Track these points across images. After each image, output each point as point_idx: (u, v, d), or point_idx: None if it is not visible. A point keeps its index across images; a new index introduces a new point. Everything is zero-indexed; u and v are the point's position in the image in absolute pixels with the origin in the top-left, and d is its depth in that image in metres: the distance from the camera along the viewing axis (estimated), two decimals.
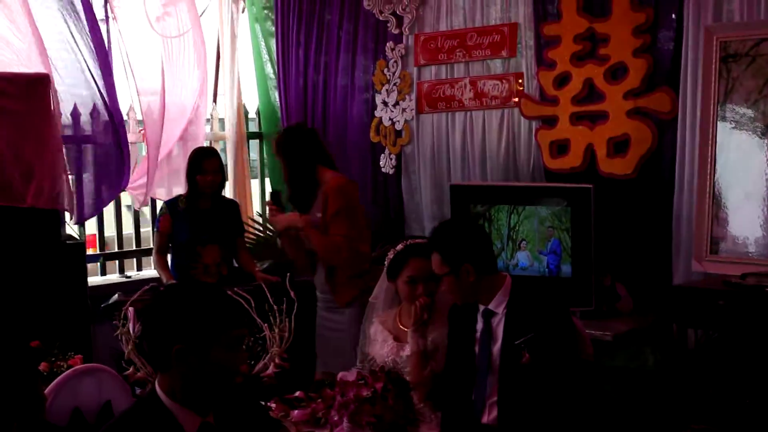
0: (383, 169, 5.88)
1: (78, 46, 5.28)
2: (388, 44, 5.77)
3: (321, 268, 4.48)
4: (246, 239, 5.55)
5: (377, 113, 5.88)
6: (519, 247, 4.76)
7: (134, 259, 6.21)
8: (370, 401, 3.00)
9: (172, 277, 5.02)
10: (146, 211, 6.10)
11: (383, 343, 3.64)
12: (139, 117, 5.86)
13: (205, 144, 6.03)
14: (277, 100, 6.47)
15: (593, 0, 4.81)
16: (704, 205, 4.31)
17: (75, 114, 5.40)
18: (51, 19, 5.22)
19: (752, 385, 3.84)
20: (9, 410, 2.33)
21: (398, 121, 5.78)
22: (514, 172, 5.23)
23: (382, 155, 5.88)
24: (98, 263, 5.96)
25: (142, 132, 5.76)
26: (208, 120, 6.39)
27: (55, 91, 4.99)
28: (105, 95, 5.38)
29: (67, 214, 5.08)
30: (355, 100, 6.02)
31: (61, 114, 5.09)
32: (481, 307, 3.27)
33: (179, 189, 5.49)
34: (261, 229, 6.14)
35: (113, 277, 6.01)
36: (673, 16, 4.57)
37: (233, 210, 5.29)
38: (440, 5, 5.54)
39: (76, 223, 5.52)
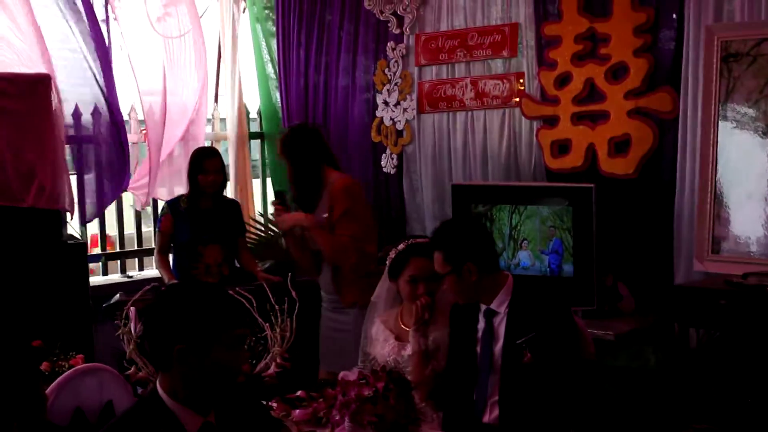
0: (384, 169, 5.88)
1: (79, 46, 5.28)
2: (389, 44, 5.78)
3: (326, 268, 4.46)
4: (247, 239, 5.55)
5: (378, 113, 5.88)
6: (520, 246, 4.76)
7: (136, 259, 6.21)
8: (372, 401, 3.00)
9: (174, 277, 5.02)
10: (148, 210, 6.10)
11: (385, 342, 3.64)
12: (141, 117, 5.86)
13: (207, 144, 6.04)
14: (279, 100, 6.48)
15: (594, 0, 4.81)
16: (705, 204, 4.31)
17: (76, 114, 5.40)
18: (52, 19, 5.22)
19: (754, 385, 3.84)
20: (10, 410, 2.33)
21: (399, 120, 5.78)
22: (516, 171, 5.23)
23: (384, 155, 5.88)
24: (99, 263, 5.97)
25: (144, 132, 5.76)
26: (209, 120, 6.40)
27: (58, 91, 5.00)
28: (106, 95, 5.38)
29: (68, 214, 5.08)
30: (356, 100, 6.02)
31: (63, 114, 5.10)
32: (483, 307, 3.27)
33: (181, 189, 5.49)
34: (262, 229, 6.14)
35: (115, 277, 6.02)
36: (674, 15, 4.57)
37: (235, 210, 5.29)
38: (441, 5, 5.55)
39: (82, 224, 5.53)
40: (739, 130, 4.25)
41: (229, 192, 6.15)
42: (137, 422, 2.26)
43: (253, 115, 6.72)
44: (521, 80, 5.19)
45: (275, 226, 6.03)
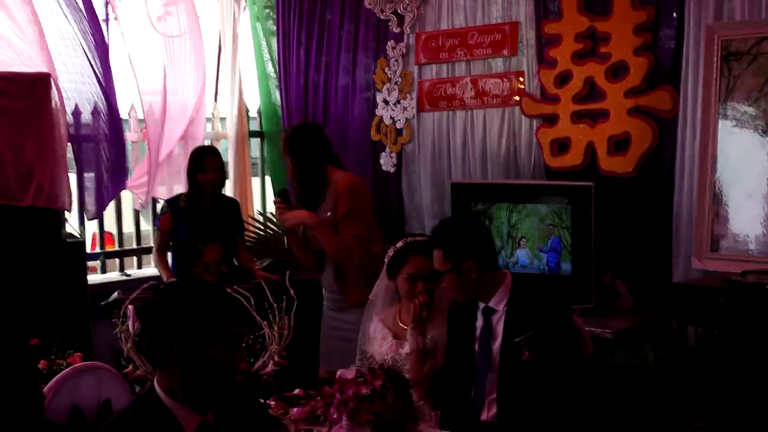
0: (384, 168, 5.88)
1: (80, 45, 5.28)
2: (389, 43, 5.77)
3: (329, 267, 4.44)
4: (246, 238, 5.55)
5: (378, 112, 5.88)
6: (519, 244, 4.76)
7: (135, 258, 6.21)
8: (370, 399, 2.99)
9: (173, 276, 5.02)
10: (147, 209, 6.10)
11: (383, 340, 3.64)
12: (141, 116, 5.86)
13: (206, 143, 6.04)
14: (278, 99, 6.48)
15: None
16: (705, 202, 4.31)
17: (76, 113, 5.40)
18: (54, 19, 5.22)
19: (752, 383, 3.84)
20: (8, 408, 2.33)
21: (399, 119, 5.78)
22: (515, 170, 5.23)
23: (383, 154, 5.88)
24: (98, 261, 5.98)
25: (144, 131, 5.76)
26: (209, 119, 6.40)
27: (60, 90, 5.00)
28: (105, 94, 5.38)
29: (67, 213, 5.08)
30: (356, 98, 6.02)
31: (65, 112, 5.10)
32: (481, 305, 3.27)
33: (180, 188, 5.49)
34: (261, 227, 6.14)
35: (113, 275, 6.01)
36: (674, 14, 4.57)
37: (234, 208, 5.29)
38: (441, 4, 5.55)
39: (81, 223, 5.53)
40: (739, 128, 4.25)
41: (229, 191, 6.15)
42: (135, 421, 2.26)
43: (253, 114, 6.72)
44: (521, 79, 5.19)
45: (276, 226, 6.04)
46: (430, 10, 5.62)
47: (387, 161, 5.86)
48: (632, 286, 4.66)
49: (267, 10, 6.52)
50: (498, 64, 5.33)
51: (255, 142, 6.73)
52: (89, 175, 5.48)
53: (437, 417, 3.36)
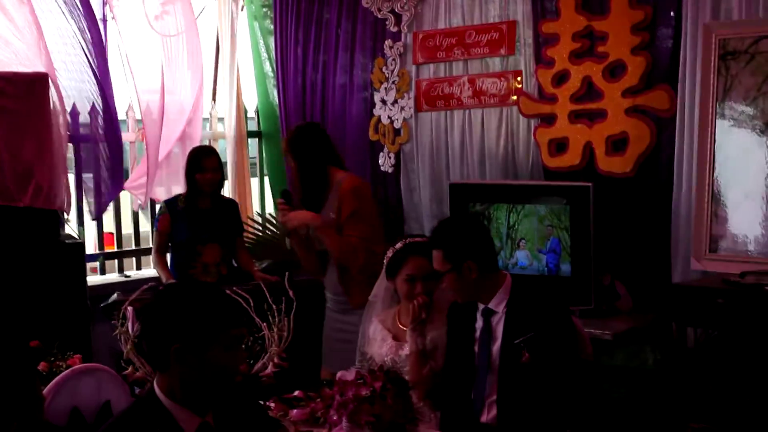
0: (382, 168, 5.88)
1: (78, 45, 5.28)
2: (386, 42, 5.77)
3: (332, 268, 4.44)
4: (245, 238, 5.55)
5: (376, 111, 5.87)
6: (518, 245, 4.76)
7: (134, 259, 6.20)
8: (369, 400, 2.99)
9: (172, 277, 5.02)
10: (146, 209, 6.09)
11: (382, 342, 3.64)
12: (138, 116, 5.85)
13: (205, 143, 6.03)
14: (276, 98, 6.47)
15: None
16: (703, 203, 4.31)
17: (74, 113, 5.39)
18: (52, 16, 5.21)
19: (752, 384, 3.84)
20: (8, 410, 2.33)
21: (397, 119, 5.77)
22: (513, 170, 5.23)
23: (381, 154, 5.87)
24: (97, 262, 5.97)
25: (142, 131, 5.75)
26: (206, 119, 6.39)
27: (59, 90, 5.00)
28: (102, 94, 5.37)
29: (65, 214, 5.08)
30: (353, 98, 6.01)
31: (65, 112, 5.09)
32: (481, 306, 3.27)
33: (178, 189, 5.48)
34: (260, 228, 6.14)
35: (112, 277, 6.01)
36: (672, 13, 4.57)
37: (232, 209, 5.29)
38: (439, 3, 5.54)
39: (94, 219, 5.55)
40: (737, 128, 4.24)
41: (227, 191, 6.15)
42: (134, 422, 2.26)
43: (251, 113, 6.71)
44: (519, 78, 5.18)
45: (275, 227, 6.04)
46: (427, 9, 5.61)
47: (385, 161, 5.86)
48: (631, 288, 4.66)
49: (264, 9, 6.51)
50: (495, 64, 5.33)
51: (253, 142, 6.72)
52: (87, 176, 5.47)
53: (437, 418, 3.36)
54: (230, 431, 2.37)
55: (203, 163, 5.02)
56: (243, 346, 2.98)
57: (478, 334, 3.25)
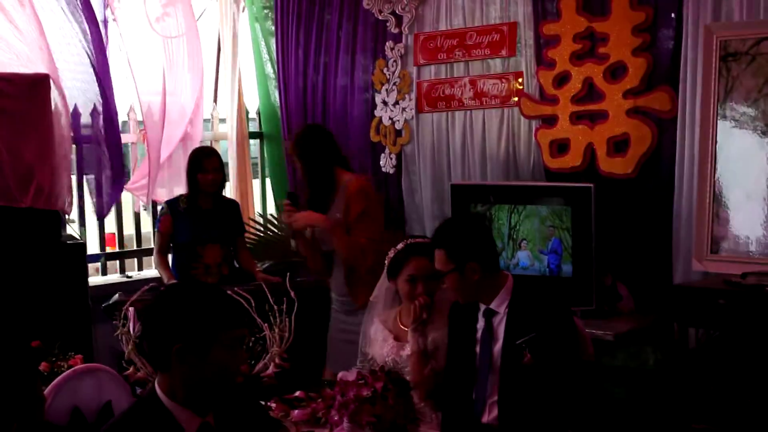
0: (383, 169, 5.88)
1: (81, 46, 5.28)
2: (387, 44, 5.77)
3: (338, 269, 4.43)
4: (247, 239, 5.55)
5: (377, 113, 5.87)
6: (519, 246, 4.76)
7: (135, 259, 6.21)
8: (370, 401, 3.00)
9: (173, 277, 5.02)
10: (147, 210, 6.10)
11: (383, 342, 3.64)
12: (140, 118, 5.86)
13: (206, 144, 6.03)
14: (278, 99, 6.47)
15: None
16: (704, 204, 4.30)
17: (75, 114, 5.40)
18: (55, 16, 5.22)
19: (753, 385, 3.84)
20: (9, 410, 2.33)
21: (398, 120, 5.77)
22: (514, 171, 5.22)
23: (383, 155, 5.88)
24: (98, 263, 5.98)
25: (143, 132, 5.75)
26: (208, 120, 6.39)
27: (62, 90, 5.00)
28: (103, 96, 5.37)
29: (66, 215, 5.08)
30: (354, 99, 6.01)
31: (68, 113, 5.09)
32: (482, 307, 3.26)
33: (180, 190, 5.48)
34: (262, 229, 6.14)
35: (114, 277, 6.01)
36: (673, 15, 4.56)
37: (234, 210, 5.29)
38: (440, 4, 5.54)
39: (99, 219, 5.56)
40: (738, 129, 4.24)
41: (229, 192, 6.15)
42: (135, 423, 2.26)
43: (252, 114, 6.72)
44: (520, 80, 5.18)
45: (277, 228, 6.04)
46: (428, 11, 5.61)
47: (386, 162, 5.86)
48: (633, 288, 4.66)
49: (266, 11, 6.52)
50: (496, 65, 5.33)
51: (254, 143, 6.72)
52: (89, 177, 5.48)
53: (438, 419, 3.36)
54: (231, 431, 2.37)
55: (204, 164, 5.03)
56: (244, 347, 2.97)
57: (479, 334, 3.25)
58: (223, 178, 5.19)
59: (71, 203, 5.09)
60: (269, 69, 6.54)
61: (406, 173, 5.82)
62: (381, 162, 5.87)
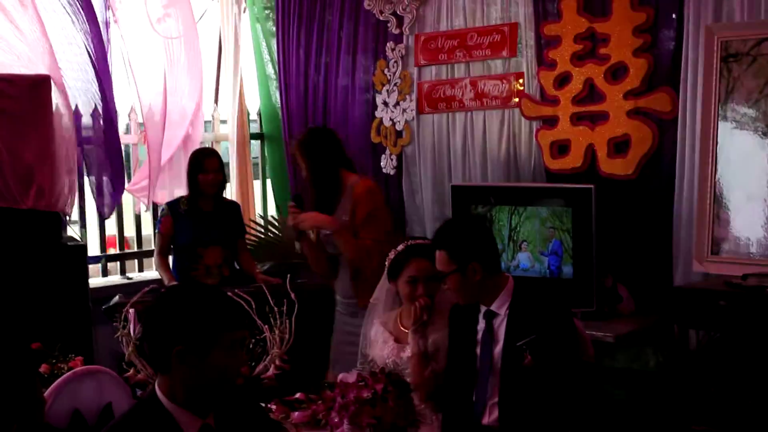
0: (384, 170, 5.87)
1: (83, 47, 5.28)
2: (388, 44, 5.77)
3: (344, 271, 4.42)
4: (247, 241, 5.55)
5: (378, 113, 5.87)
6: (520, 248, 4.76)
7: (136, 261, 6.21)
8: (371, 403, 3.00)
9: (174, 279, 5.02)
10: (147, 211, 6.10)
11: (384, 344, 3.64)
12: (141, 119, 5.86)
13: (207, 145, 6.03)
14: (278, 100, 6.47)
15: (593, 0, 4.81)
16: (705, 205, 4.30)
17: (77, 116, 5.40)
18: (57, 16, 5.21)
19: (754, 386, 3.83)
20: (9, 412, 2.33)
21: (399, 121, 5.77)
22: (515, 172, 5.22)
23: (383, 156, 5.87)
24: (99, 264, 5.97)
25: (144, 134, 5.75)
26: (209, 121, 6.39)
27: (65, 90, 5.00)
28: (104, 96, 5.37)
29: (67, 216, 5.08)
30: (355, 100, 6.01)
31: (71, 114, 5.09)
32: (483, 308, 3.26)
33: (181, 191, 5.48)
34: (263, 230, 6.14)
35: (114, 279, 6.01)
36: (674, 15, 4.56)
37: (235, 211, 5.29)
38: (440, 5, 5.54)
39: (104, 219, 5.57)
40: (739, 130, 4.24)
41: (230, 193, 6.15)
42: (136, 424, 2.26)
43: (253, 116, 6.71)
44: (521, 80, 5.18)
45: (278, 229, 6.04)
46: (429, 11, 5.61)
47: (387, 163, 5.86)
48: (633, 290, 4.65)
49: (267, 12, 6.52)
50: (497, 66, 5.32)
51: (255, 144, 6.72)
52: (91, 178, 5.47)
53: (438, 420, 3.36)
54: None
55: (204, 164, 5.03)
56: (244, 349, 2.97)
57: (479, 336, 3.25)
58: (224, 179, 5.19)
59: (72, 204, 5.09)
60: (270, 70, 6.54)
61: (407, 174, 5.81)
62: (381, 163, 5.87)
